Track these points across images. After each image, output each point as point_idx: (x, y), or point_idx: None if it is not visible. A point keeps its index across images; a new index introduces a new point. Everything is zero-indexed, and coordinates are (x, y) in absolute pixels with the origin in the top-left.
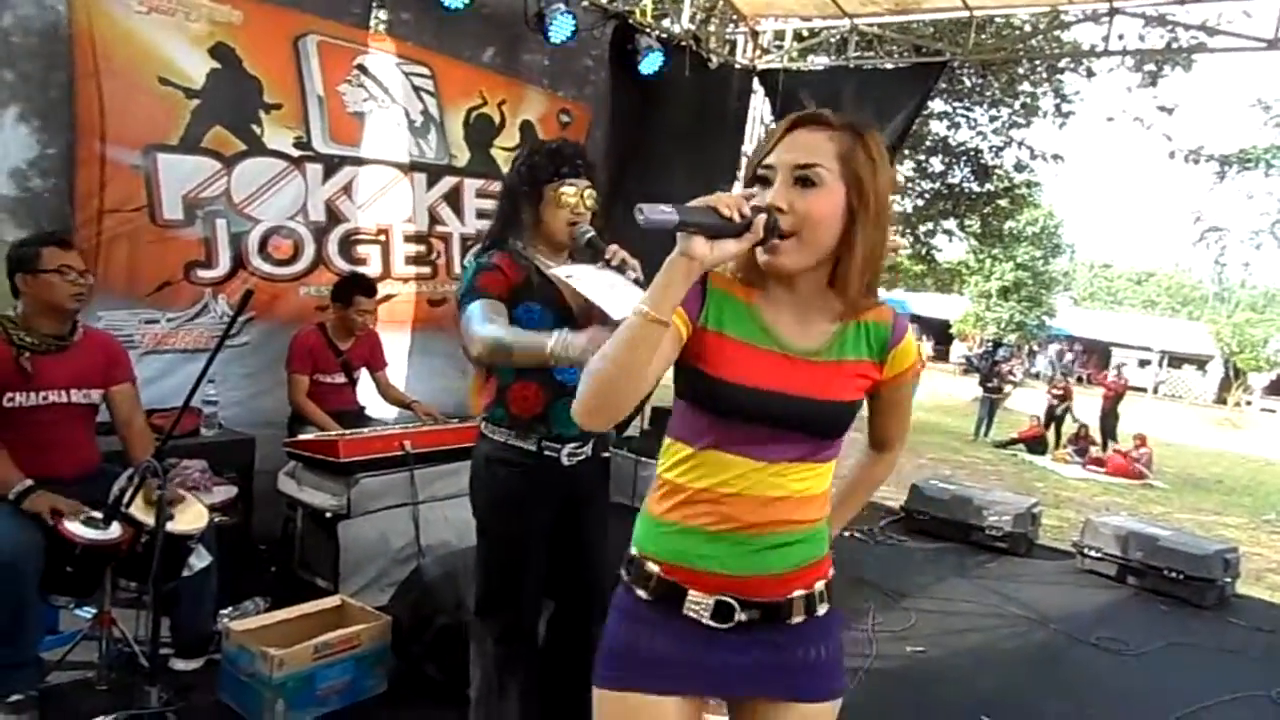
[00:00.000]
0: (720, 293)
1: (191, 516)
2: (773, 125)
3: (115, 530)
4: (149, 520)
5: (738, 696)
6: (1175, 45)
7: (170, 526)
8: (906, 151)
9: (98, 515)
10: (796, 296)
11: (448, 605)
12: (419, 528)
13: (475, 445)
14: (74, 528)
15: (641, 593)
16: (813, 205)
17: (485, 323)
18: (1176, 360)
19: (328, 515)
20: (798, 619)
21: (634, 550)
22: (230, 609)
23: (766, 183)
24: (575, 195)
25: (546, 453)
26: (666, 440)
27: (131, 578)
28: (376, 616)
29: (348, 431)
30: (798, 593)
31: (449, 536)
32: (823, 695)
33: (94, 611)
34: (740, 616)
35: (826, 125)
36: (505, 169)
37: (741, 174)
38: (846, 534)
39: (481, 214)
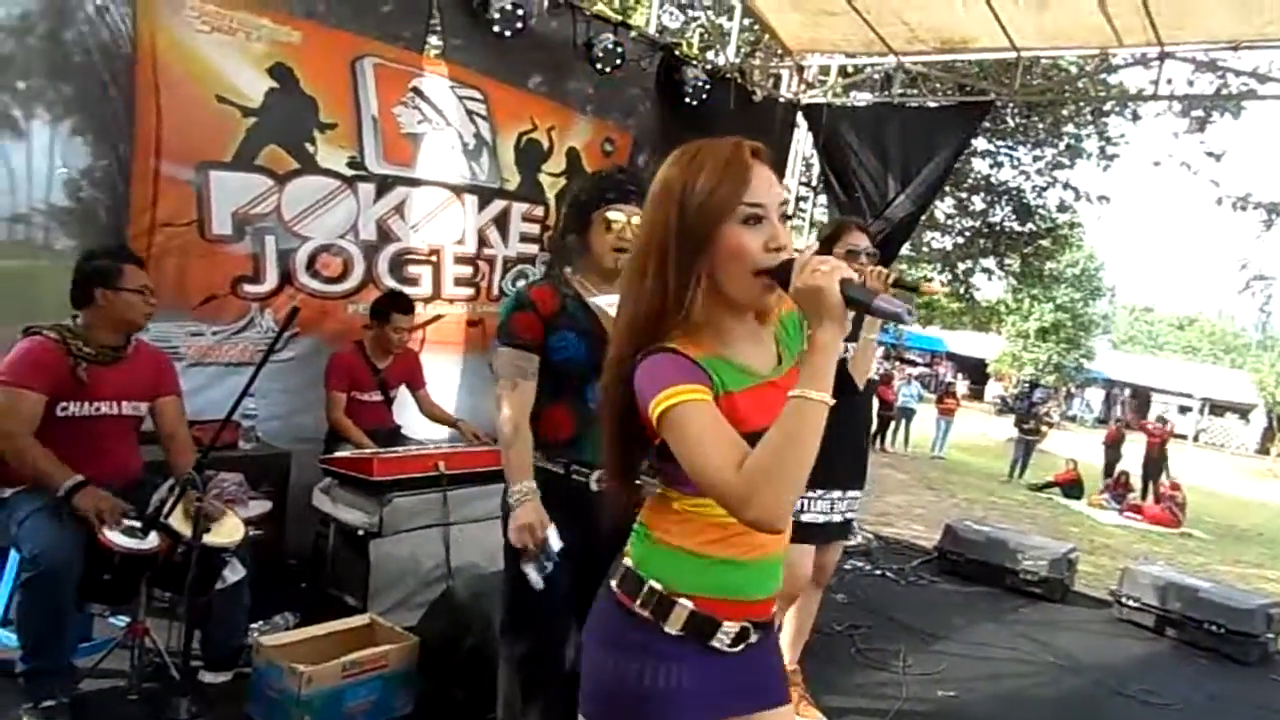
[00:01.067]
0: (703, 358)
1: (228, 529)
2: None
3: (153, 540)
4: (187, 531)
5: (743, 713)
6: (1225, 91)
7: (207, 539)
8: (948, 189)
9: (137, 524)
10: (745, 326)
11: (476, 628)
12: (449, 549)
13: None
14: (113, 536)
15: (670, 629)
16: (789, 240)
17: (509, 401)
18: (1218, 408)
19: (360, 533)
20: (773, 630)
21: (657, 585)
22: (260, 623)
23: (758, 220)
24: (623, 221)
25: (575, 476)
26: (686, 496)
27: (167, 588)
28: (405, 637)
29: (383, 450)
30: (775, 606)
31: (479, 559)
32: (788, 697)
33: (128, 620)
34: (752, 638)
35: (767, 159)
36: (551, 194)
37: (707, 206)
38: (879, 573)
39: (525, 238)
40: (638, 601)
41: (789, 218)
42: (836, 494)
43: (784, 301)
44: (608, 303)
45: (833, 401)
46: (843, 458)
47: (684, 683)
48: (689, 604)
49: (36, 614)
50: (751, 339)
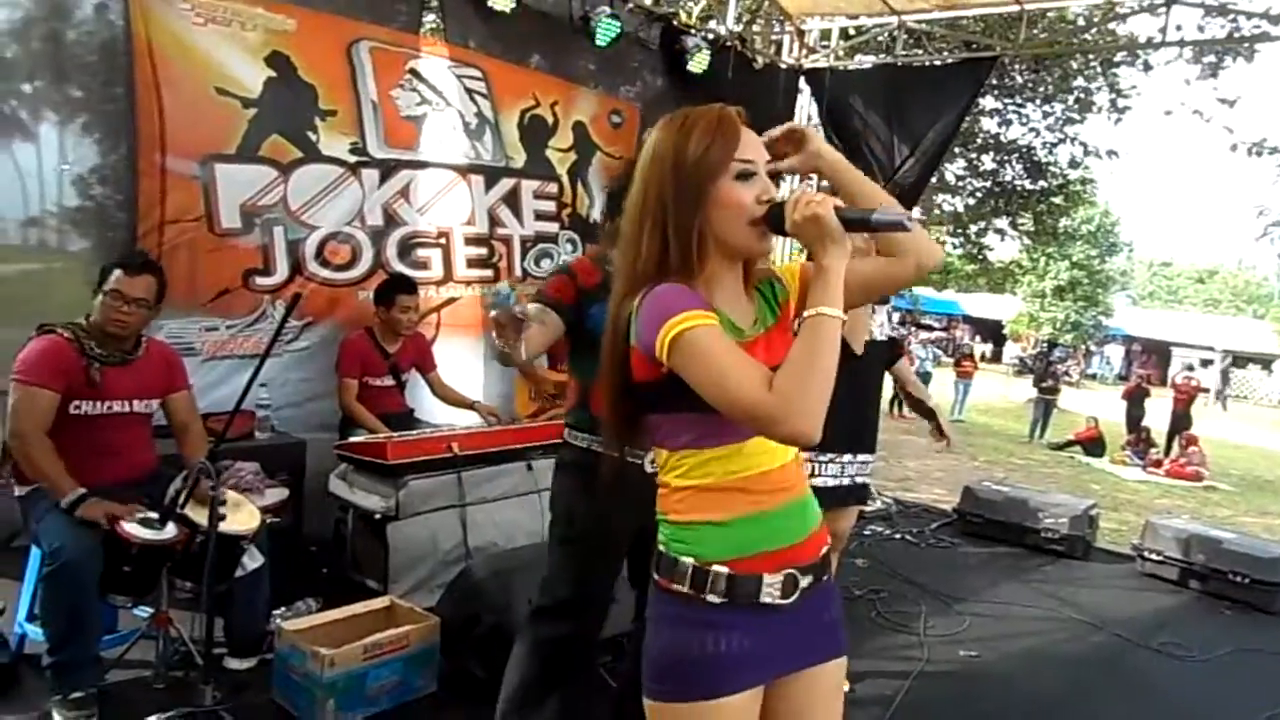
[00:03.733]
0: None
1: (244, 517)
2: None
3: (171, 531)
4: (203, 521)
5: (798, 669)
6: (1237, 35)
7: (223, 527)
8: (957, 149)
9: (154, 516)
10: (735, 284)
11: (495, 606)
12: (466, 529)
13: (558, 451)
14: (131, 528)
15: (712, 597)
16: (776, 193)
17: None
18: (1241, 360)
19: (377, 517)
20: (826, 576)
21: (689, 560)
22: (283, 609)
23: (750, 175)
24: None
25: (629, 459)
26: (675, 454)
27: (187, 578)
28: (425, 617)
29: (396, 434)
30: (824, 549)
31: (496, 538)
32: (843, 649)
33: (151, 611)
34: (802, 584)
35: (748, 123)
36: (561, 170)
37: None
38: (898, 536)
39: (540, 215)
40: (674, 581)
41: (776, 176)
42: (846, 457)
43: (766, 268)
44: None
45: (845, 316)
46: (846, 420)
47: (736, 646)
48: (724, 569)
49: (59, 608)
50: (736, 297)
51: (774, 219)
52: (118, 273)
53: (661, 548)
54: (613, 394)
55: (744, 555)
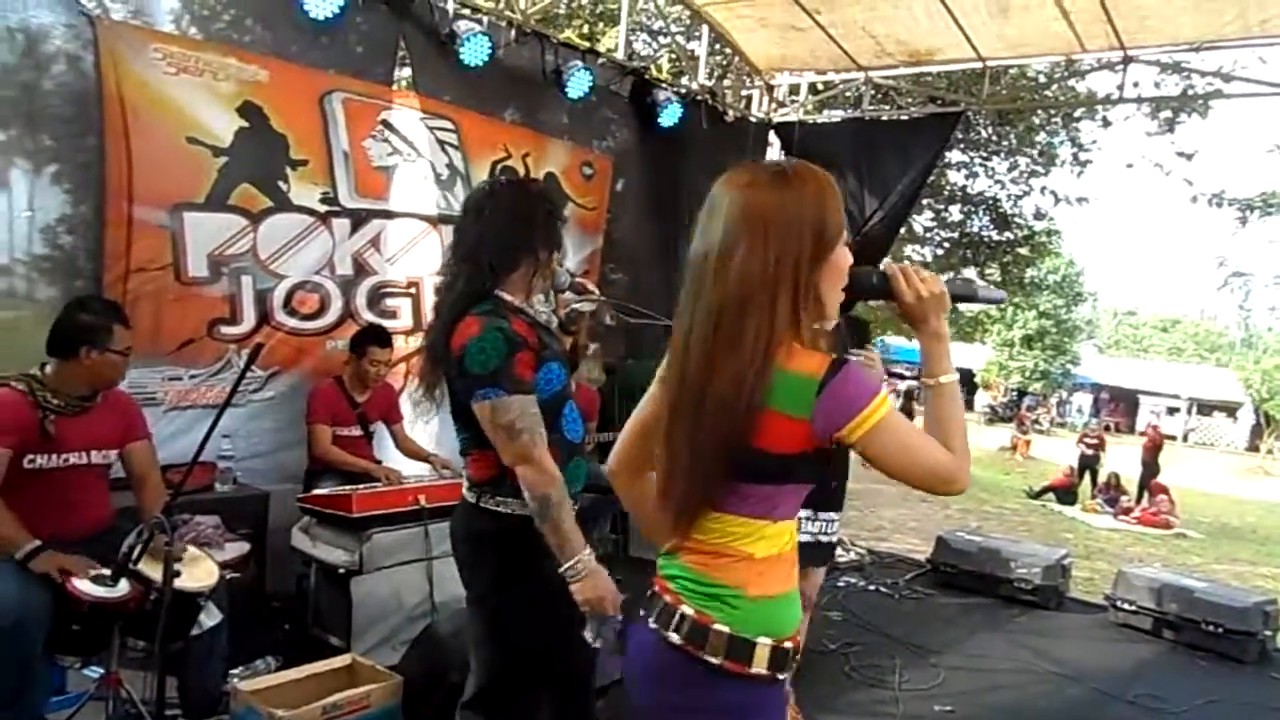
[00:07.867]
0: None
1: (202, 573)
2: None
3: (124, 588)
4: (158, 577)
5: None
6: (1191, 92)
7: (179, 584)
8: (925, 201)
9: (106, 572)
10: None
11: (460, 664)
12: (433, 584)
13: (468, 523)
14: (82, 585)
15: (783, 675)
16: None
17: (547, 457)
18: (1206, 408)
19: (340, 571)
20: None
21: (767, 640)
22: (241, 668)
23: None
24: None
25: None
26: (776, 524)
27: (141, 636)
28: (387, 676)
29: (362, 486)
30: None
31: (463, 593)
32: None
33: (101, 672)
34: (795, 660)
35: None
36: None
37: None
38: (872, 588)
39: None
40: (754, 664)
41: None
42: (830, 515)
43: None
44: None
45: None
46: (841, 480)
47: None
48: (789, 645)
49: (4, 668)
50: None
51: (867, 283)
52: (119, 329)
53: (724, 629)
54: (709, 460)
55: (784, 634)
